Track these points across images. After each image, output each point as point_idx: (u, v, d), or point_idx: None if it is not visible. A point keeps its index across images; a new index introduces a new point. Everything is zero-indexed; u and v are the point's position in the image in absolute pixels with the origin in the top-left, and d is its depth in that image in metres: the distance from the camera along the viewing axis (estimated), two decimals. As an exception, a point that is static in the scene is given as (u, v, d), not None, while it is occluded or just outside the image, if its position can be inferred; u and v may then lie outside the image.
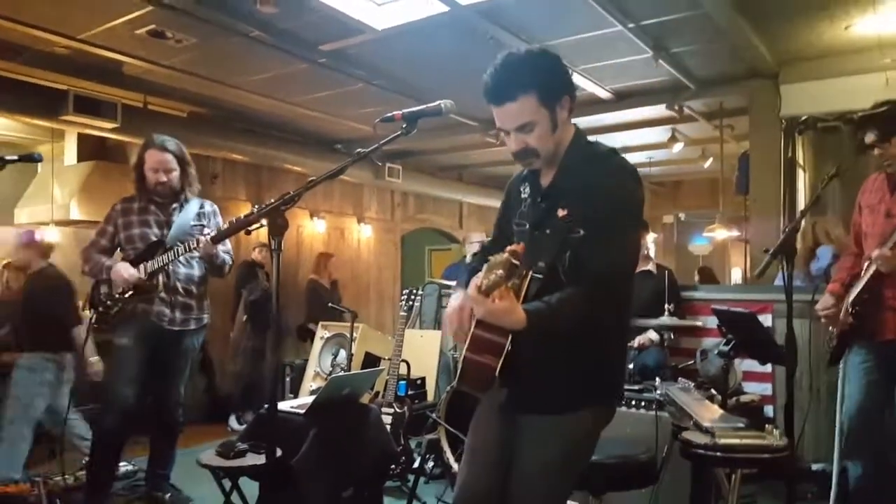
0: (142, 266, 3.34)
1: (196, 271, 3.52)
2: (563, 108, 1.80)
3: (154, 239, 3.42)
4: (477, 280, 1.65)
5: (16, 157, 3.09)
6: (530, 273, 1.77)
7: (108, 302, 3.34)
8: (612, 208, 1.74)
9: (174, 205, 3.51)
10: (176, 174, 3.47)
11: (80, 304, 4.91)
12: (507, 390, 1.89)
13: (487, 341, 1.75)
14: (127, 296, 3.32)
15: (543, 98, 1.76)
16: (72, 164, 6.53)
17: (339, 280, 7.36)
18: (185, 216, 3.50)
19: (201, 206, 3.60)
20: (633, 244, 1.83)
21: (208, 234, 3.33)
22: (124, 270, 3.30)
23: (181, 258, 3.39)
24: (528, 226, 1.90)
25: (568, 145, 1.87)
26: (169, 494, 3.63)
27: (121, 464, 4.17)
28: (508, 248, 1.62)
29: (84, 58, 4.92)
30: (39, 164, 6.29)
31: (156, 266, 3.34)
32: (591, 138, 1.93)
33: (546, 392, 1.82)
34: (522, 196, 1.96)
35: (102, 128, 5.40)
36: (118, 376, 3.34)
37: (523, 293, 1.76)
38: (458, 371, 1.84)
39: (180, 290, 3.45)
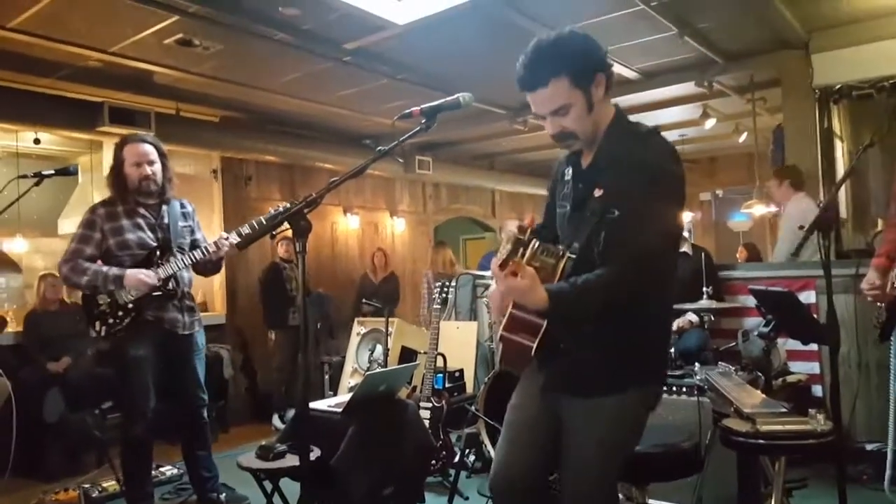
0: (152, 271, 3.26)
1: (190, 274, 3.47)
2: (597, 87, 1.78)
3: (153, 244, 3.33)
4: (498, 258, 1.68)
5: (52, 172, 3.19)
6: (566, 254, 1.78)
7: (119, 313, 3.23)
8: (648, 187, 1.71)
9: (161, 206, 3.42)
10: (158, 167, 3.36)
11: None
12: (548, 371, 1.89)
13: (524, 321, 1.79)
14: (137, 304, 3.24)
15: (575, 80, 1.75)
16: (110, 173, 6.68)
17: (394, 272, 7.42)
18: (174, 217, 3.43)
19: (183, 206, 3.53)
20: (671, 224, 1.79)
21: (226, 238, 3.34)
22: (144, 276, 3.20)
23: (183, 261, 3.34)
24: (568, 207, 1.91)
25: (608, 125, 1.85)
26: (224, 495, 3.63)
27: (165, 467, 4.29)
28: (518, 222, 1.65)
29: (117, 70, 5.02)
30: (80, 175, 6.45)
31: (169, 272, 3.28)
32: (632, 118, 1.91)
33: (589, 373, 1.81)
34: (566, 178, 1.97)
35: (138, 137, 5.52)
36: (137, 387, 3.27)
37: (558, 274, 1.76)
38: (500, 351, 1.86)
39: (186, 293, 3.43)
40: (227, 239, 3.34)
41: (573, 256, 1.78)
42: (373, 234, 8.58)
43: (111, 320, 3.24)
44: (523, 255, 1.69)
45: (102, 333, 3.25)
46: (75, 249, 3.27)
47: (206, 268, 3.49)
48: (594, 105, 1.79)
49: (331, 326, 6.67)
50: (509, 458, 1.95)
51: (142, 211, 3.36)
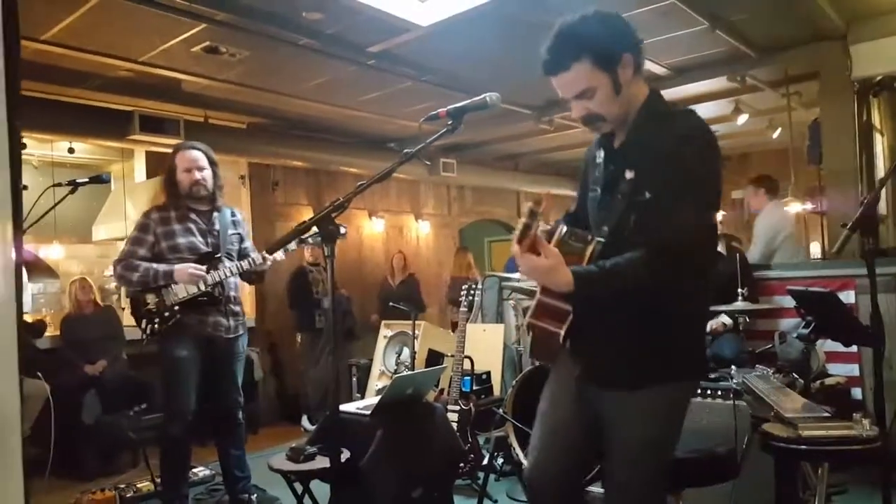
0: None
1: (236, 279, 3.56)
2: (625, 68, 1.73)
3: (204, 249, 3.43)
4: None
5: (86, 180, 3.29)
6: (594, 238, 1.75)
7: (166, 313, 3.33)
8: (682, 171, 1.65)
9: (213, 212, 3.53)
10: (209, 172, 3.49)
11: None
12: (583, 362, 1.84)
13: (552, 307, 1.75)
14: (183, 306, 3.33)
15: (599, 62, 1.70)
16: (141, 180, 6.79)
17: (414, 274, 7.41)
18: (224, 224, 3.53)
19: (233, 214, 3.64)
20: (707, 210, 1.72)
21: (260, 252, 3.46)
22: (194, 269, 3.30)
23: (232, 269, 3.43)
24: (599, 190, 1.86)
25: (641, 106, 1.79)
26: (255, 496, 3.68)
27: (198, 468, 4.33)
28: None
29: (146, 79, 5.09)
30: (112, 183, 6.56)
31: (217, 278, 3.38)
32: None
33: (625, 365, 1.76)
34: (597, 161, 1.91)
35: (167, 144, 5.55)
36: (180, 388, 3.35)
37: (587, 258, 1.72)
38: (530, 343, 1.86)
39: (232, 298, 3.52)
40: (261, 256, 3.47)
41: (602, 240, 1.74)
42: (398, 238, 8.59)
43: (157, 319, 3.34)
44: (537, 231, 1.62)
45: (148, 332, 3.35)
46: (129, 251, 3.40)
47: (250, 277, 3.60)
48: (622, 87, 1.73)
49: (350, 328, 6.69)
50: (545, 461, 1.92)
51: (193, 216, 3.48)
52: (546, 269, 1.62)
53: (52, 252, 6.61)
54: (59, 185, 3.27)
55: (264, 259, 3.46)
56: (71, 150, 6.21)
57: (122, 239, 6.84)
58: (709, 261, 1.84)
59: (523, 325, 4.31)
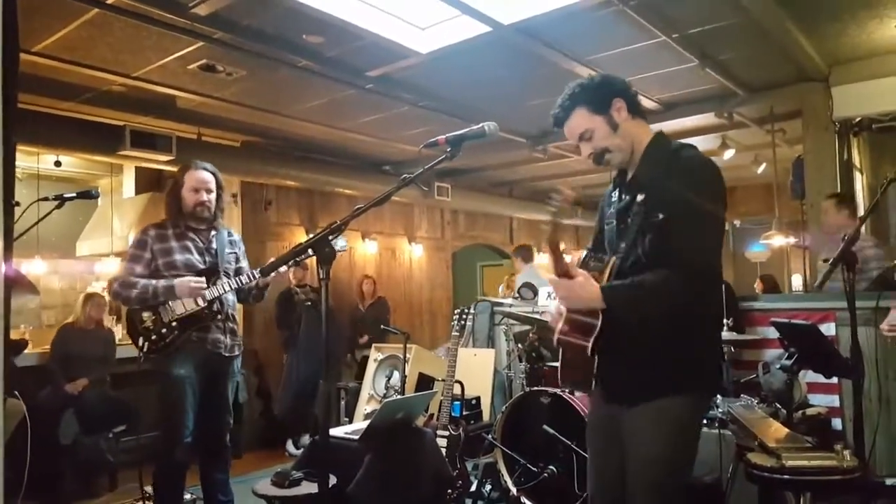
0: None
1: (233, 297, 3.52)
2: (618, 110, 1.98)
3: (201, 266, 3.39)
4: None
5: (74, 195, 3.22)
6: (612, 258, 1.94)
7: (163, 330, 3.25)
8: (692, 190, 1.82)
9: (211, 231, 3.50)
10: (214, 195, 3.47)
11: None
12: (606, 382, 1.97)
13: (579, 323, 1.92)
14: (176, 323, 3.25)
15: (593, 108, 1.98)
16: (130, 196, 6.77)
17: (384, 297, 7.39)
18: (222, 243, 3.51)
19: (230, 234, 3.61)
20: (716, 230, 1.89)
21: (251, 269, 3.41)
22: (195, 283, 3.24)
23: (230, 284, 3.39)
24: (614, 221, 2.06)
25: (648, 144, 2.01)
26: None
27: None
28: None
29: (139, 94, 5.10)
30: (99, 198, 6.53)
31: (216, 293, 3.33)
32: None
33: (636, 380, 1.89)
34: (612, 199, 2.12)
35: (158, 161, 5.58)
36: (180, 408, 3.26)
37: (606, 275, 1.92)
38: (560, 364, 2.00)
39: (231, 316, 3.48)
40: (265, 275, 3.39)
41: (619, 255, 1.93)
42: (391, 260, 8.61)
43: (154, 336, 3.26)
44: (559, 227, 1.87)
45: (145, 349, 3.26)
46: (126, 268, 3.35)
47: (249, 295, 3.55)
48: (618, 125, 1.98)
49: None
50: (594, 494, 2.08)
51: (191, 235, 3.44)
52: (580, 285, 1.82)
53: (33, 267, 6.51)
54: (46, 199, 3.19)
55: (257, 277, 3.40)
56: (58, 164, 6.09)
57: (107, 255, 6.80)
58: (718, 277, 1.95)
59: (521, 349, 4.36)
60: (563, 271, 1.86)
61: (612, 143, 1.99)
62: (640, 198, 1.93)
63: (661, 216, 1.83)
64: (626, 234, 1.94)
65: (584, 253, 2.00)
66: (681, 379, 1.86)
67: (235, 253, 3.59)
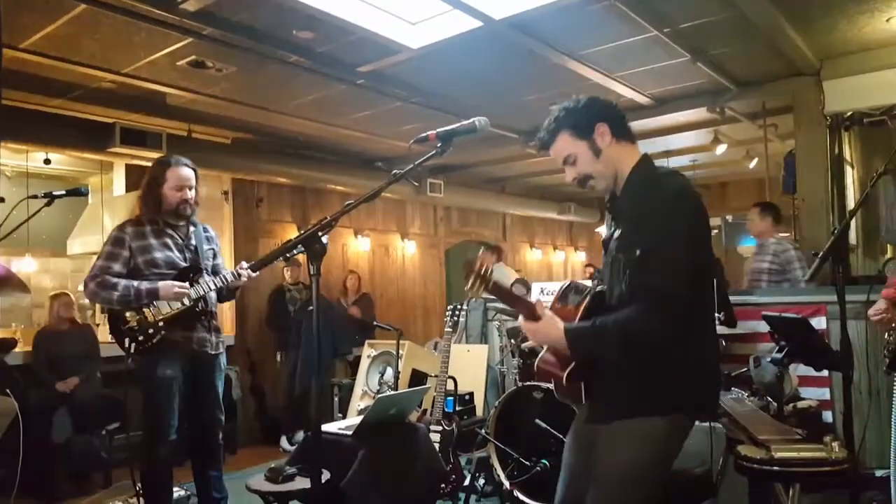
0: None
1: (215, 294, 3.47)
2: (601, 135, 1.97)
3: (183, 264, 3.34)
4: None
5: (63, 193, 3.15)
6: (590, 291, 2.00)
7: (150, 330, 3.17)
8: (661, 228, 1.82)
9: (190, 227, 3.45)
10: (194, 192, 3.40)
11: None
12: (588, 402, 2.02)
13: (560, 353, 1.96)
14: (168, 323, 3.20)
15: (575, 132, 1.98)
16: (120, 194, 6.72)
17: (368, 294, 7.36)
18: (200, 239, 3.45)
19: (205, 230, 3.55)
20: (691, 260, 1.83)
21: (245, 268, 3.33)
22: (179, 287, 3.18)
23: (214, 283, 3.33)
24: (604, 250, 2.09)
25: (632, 169, 1.98)
26: None
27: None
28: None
29: (129, 91, 5.06)
30: (90, 196, 6.49)
31: (201, 291, 3.29)
32: (642, 143, 2.04)
33: (614, 398, 1.92)
34: (608, 225, 2.13)
35: (148, 158, 5.52)
36: (165, 407, 3.23)
37: (580, 311, 1.96)
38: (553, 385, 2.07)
39: (213, 314, 3.44)
40: (246, 269, 3.32)
41: (600, 291, 1.97)
42: (383, 257, 8.60)
43: (141, 337, 3.19)
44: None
45: (132, 350, 3.19)
46: (102, 266, 3.23)
47: (222, 294, 3.49)
48: (601, 150, 1.97)
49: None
50: (558, 494, 2.11)
51: (169, 231, 3.37)
52: (544, 326, 1.90)
53: (24, 265, 6.47)
54: (35, 196, 3.14)
55: (238, 275, 3.33)
56: (47, 161, 6.05)
57: (98, 253, 6.75)
58: (704, 298, 1.96)
59: (514, 345, 4.36)
60: (529, 314, 1.92)
61: (594, 170, 1.99)
62: (616, 234, 1.98)
63: (638, 252, 1.84)
64: (608, 270, 1.99)
65: (566, 283, 2.04)
66: (658, 401, 1.86)
67: (213, 249, 3.55)
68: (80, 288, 3.35)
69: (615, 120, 2.00)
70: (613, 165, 1.98)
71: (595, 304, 1.96)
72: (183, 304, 3.25)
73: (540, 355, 2.04)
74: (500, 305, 4.74)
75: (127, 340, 3.20)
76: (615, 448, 1.88)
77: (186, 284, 3.24)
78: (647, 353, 1.83)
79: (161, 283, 3.19)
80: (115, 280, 3.20)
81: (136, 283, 3.19)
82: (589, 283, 2.06)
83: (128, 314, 3.21)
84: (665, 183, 1.93)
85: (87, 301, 6.49)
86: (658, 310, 1.77)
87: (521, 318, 1.95)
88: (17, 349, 5.22)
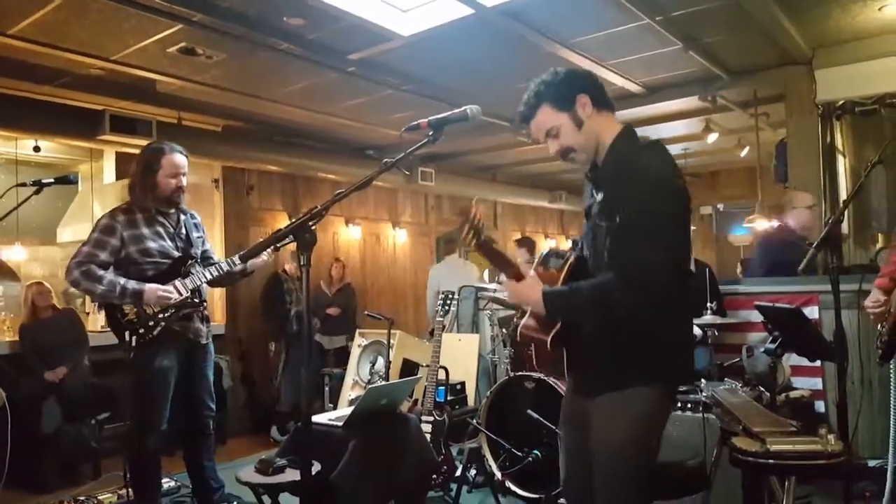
0: (179, 282, 3.26)
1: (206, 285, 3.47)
2: (582, 107, 1.97)
3: (175, 254, 3.33)
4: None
5: (52, 180, 3.12)
6: (571, 257, 2.03)
7: (150, 323, 3.19)
8: (646, 196, 1.83)
9: (180, 215, 3.44)
10: (186, 178, 3.40)
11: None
12: (573, 374, 2.05)
13: (542, 318, 1.98)
14: (168, 314, 3.22)
15: (557, 105, 1.98)
16: (110, 181, 6.67)
17: (350, 283, 7.30)
18: (189, 226, 3.45)
19: (193, 217, 3.54)
20: (672, 234, 1.87)
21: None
22: (163, 292, 3.18)
23: (208, 273, 3.34)
24: (585, 218, 2.10)
25: (614, 139, 1.98)
26: (235, 503, 3.61)
27: (164, 480, 4.24)
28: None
29: (119, 78, 5.00)
30: (80, 183, 6.43)
31: (196, 283, 3.30)
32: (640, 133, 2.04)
33: (592, 373, 1.97)
34: (589, 193, 2.12)
35: (138, 145, 5.44)
36: (159, 399, 3.23)
37: (562, 275, 2.00)
38: (534, 354, 2.10)
39: (205, 303, 3.46)
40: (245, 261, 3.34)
41: (579, 256, 2.00)
42: (375, 245, 8.57)
43: (141, 330, 3.18)
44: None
45: (133, 343, 3.18)
46: (89, 253, 3.18)
47: (222, 280, 3.49)
48: (583, 122, 1.97)
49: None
50: (562, 471, 2.17)
51: (160, 219, 3.35)
52: (527, 286, 1.93)
53: (13, 254, 6.42)
54: (24, 184, 3.10)
55: (242, 267, 3.39)
56: (37, 149, 6.00)
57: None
58: (679, 273, 1.95)
59: (506, 334, 4.35)
60: (512, 273, 1.95)
61: (576, 142, 1.99)
62: (599, 197, 1.98)
63: (618, 219, 1.85)
64: (590, 236, 2.00)
65: (546, 249, 2.04)
66: (642, 370, 1.90)
67: (201, 236, 3.55)
68: (64, 272, 3.28)
69: (595, 90, 2.01)
70: (595, 136, 1.99)
71: (578, 269, 2.01)
72: (181, 293, 3.25)
73: (522, 321, 2.07)
74: (492, 294, 4.72)
75: (128, 333, 3.19)
76: (608, 423, 1.92)
77: (171, 288, 3.22)
78: (626, 323, 1.86)
79: (147, 287, 3.17)
80: (100, 273, 3.16)
81: (122, 280, 3.16)
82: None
83: (125, 306, 3.21)
84: (648, 155, 1.94)
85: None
86: (633, 277, 1.80)
87: (504, 279, 1.98)
88: (5, 339, 5.17)
